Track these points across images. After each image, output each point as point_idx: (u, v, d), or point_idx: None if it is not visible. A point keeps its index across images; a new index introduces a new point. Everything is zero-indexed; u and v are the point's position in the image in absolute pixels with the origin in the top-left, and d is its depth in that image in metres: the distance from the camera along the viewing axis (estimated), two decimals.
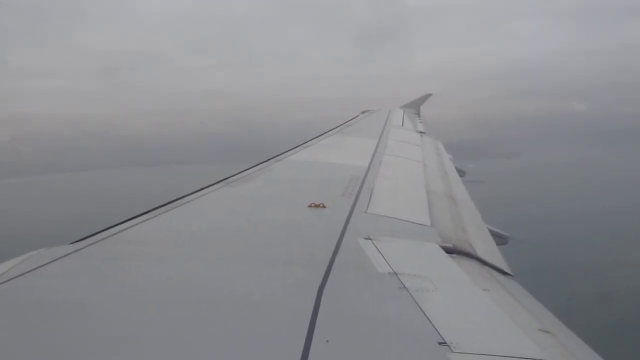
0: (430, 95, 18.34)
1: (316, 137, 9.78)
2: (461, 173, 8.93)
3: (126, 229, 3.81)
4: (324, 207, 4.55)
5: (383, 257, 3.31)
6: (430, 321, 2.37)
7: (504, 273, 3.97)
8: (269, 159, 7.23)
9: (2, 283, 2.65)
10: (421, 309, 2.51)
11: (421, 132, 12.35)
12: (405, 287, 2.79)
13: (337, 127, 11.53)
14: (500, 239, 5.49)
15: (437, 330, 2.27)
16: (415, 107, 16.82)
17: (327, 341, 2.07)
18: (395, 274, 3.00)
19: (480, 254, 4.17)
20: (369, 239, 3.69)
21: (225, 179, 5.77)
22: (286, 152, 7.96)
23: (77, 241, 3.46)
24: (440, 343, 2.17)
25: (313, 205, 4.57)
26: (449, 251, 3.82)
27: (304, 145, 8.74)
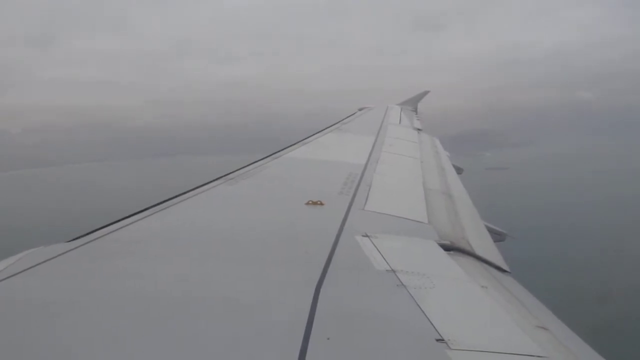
0: (427, 92, 18.35)
1: (313, 134, 9.75)
2: (458, 170, 8.94)
3: (123, 227, 3.80)
4: (321, 204, 4.55)
5: (381, 254, 3.31)
6: (427, 318, 2.38)
7: (501, 270, 3.98)
8: (266, 157, 7.21)
9: None
10: (419, 306, 2.52)
11: (418, 129, 12.34)
12: (402, 285, 2.80)
13: (334, 124, 11.48)
14: (497, 236, 5.51)
15: (434, 327, 2.28)
16: (412, 104, 16.80)
17: (328, 339, 2.08)
18: (393, 271, 3.00)
19: (478, 251, 4.18)
20: (367, 236, 3.69)
21: (223, 176, 5.75)
22: (284, 149, 7.93)
23: (73, 239, 3.45)
24: (437, 340, 2.17)
25: (310, 202, 4.57)
26: (446, 248, 3.83)
27: (301, 142, 8.72)
